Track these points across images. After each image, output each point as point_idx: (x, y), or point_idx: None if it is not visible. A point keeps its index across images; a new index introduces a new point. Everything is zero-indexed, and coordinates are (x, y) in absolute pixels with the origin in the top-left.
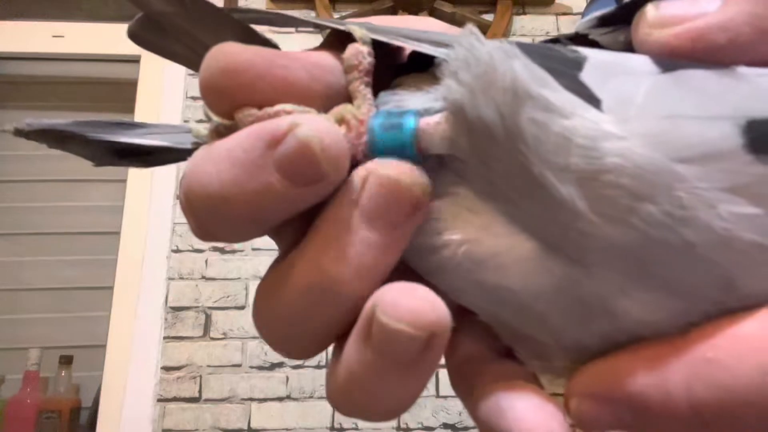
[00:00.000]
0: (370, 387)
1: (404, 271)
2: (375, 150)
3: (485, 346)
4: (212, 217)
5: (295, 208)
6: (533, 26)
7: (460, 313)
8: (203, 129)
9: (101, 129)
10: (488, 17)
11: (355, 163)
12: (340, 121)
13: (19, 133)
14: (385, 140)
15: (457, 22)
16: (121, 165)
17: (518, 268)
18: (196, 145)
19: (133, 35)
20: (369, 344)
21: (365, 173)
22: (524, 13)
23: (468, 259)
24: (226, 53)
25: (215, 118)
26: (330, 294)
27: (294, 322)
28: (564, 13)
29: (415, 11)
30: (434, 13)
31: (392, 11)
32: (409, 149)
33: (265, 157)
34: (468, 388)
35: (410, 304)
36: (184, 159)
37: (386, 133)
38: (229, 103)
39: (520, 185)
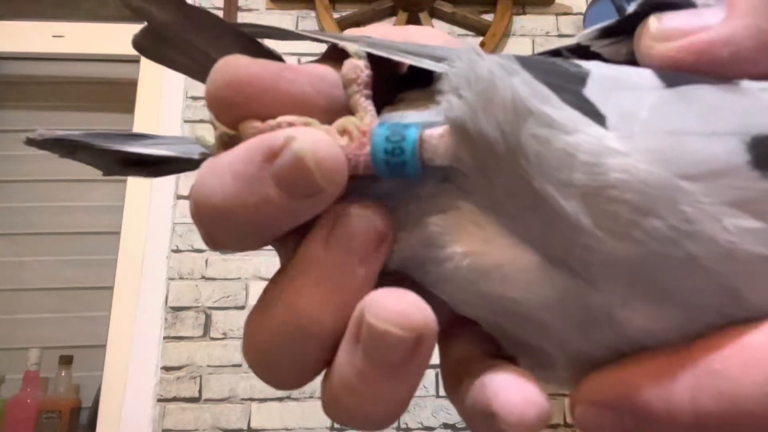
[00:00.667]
0: (361, 392)
1: (403, 281)
2: (377, 161)
3: (480, 350)
4: (217, 228)
5: (295, 220)
6: (533, 26)
7: (458, 320)
8: (209, 137)
9: (110, 140)
10: (488, 17)
11: (357, 175)
12: (343, 132)
13: (31, 142)
14: (388, 151)
15: (457, 22)
16: (129, 175)
17: (522, 279)
18: (204, 156)
19: (137, 45)
20: (358, 348)
21: (333, 214)
22: (524, 13)
23: (472, 271)
24: (233, 66)
25: (220, 128)
26: (305, 331)
27: (275, 359)
28: (564, 13)
29: (415, 11)
30: (434, 13)
31: (392, 11)
32: (412, 160)
33: (263, 170)
34: (459, 387)
35: (398, 307)
36: (191, 169)
37: (389, 144)
38: (234, 115)
39: (522, 201)
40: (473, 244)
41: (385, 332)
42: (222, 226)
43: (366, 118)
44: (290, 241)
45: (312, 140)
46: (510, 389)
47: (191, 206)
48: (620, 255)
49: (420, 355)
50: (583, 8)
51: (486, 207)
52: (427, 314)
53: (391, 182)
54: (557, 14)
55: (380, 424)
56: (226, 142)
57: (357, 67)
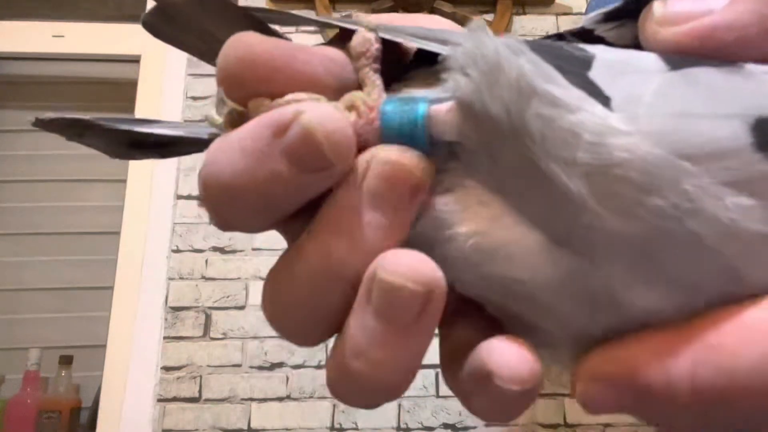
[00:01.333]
0: (370, 356)
1: None
2: (386, 135)
3: (480, 337)
4: (227, 207)
5: (304, 195)
6: (533, 26)
7: (459, 307)
8: (218, 116)
9: (119, 122)
10: (488, 17)
11: (365, 150)
12: (351, 107)
13: (38, 123)
14: (396, 126)
15: (457, 21)
16: (135, 158)
17: (526, 260)
18: (213, 136)
19: (147, 25)
20: (370, 307)
21: (368, 157)
22: (524, 13)
23: (477, 252)
24: (246, 43)
25: (230, 105)
26: (336, 276)
27: (302, 306)
28: (564, 13)
29: (415, 11)
30: (434, 13)
31: (392, 11)
32: (420, 135)
33: (273, 146)
34: (457, 371)
35: (409, 262)
36: (200, 150)
37: (397, 118)
38: (244, 92)
39: (527, 180)
40: (479, 224)
41: (397, 286)
42: (231, 205)
43: (374, 93)
44: (296, 223)
45: (320, 114)
46: (504, 349)
47: (200, 186)
48: (623, 233)
49: (429, 312)
50: (583, 8)
51: (491, 186)
52: (437, 270)
53: None
54: (557, 14)
55: (387, 394)
56: (236, 120)
57: (367, 40)
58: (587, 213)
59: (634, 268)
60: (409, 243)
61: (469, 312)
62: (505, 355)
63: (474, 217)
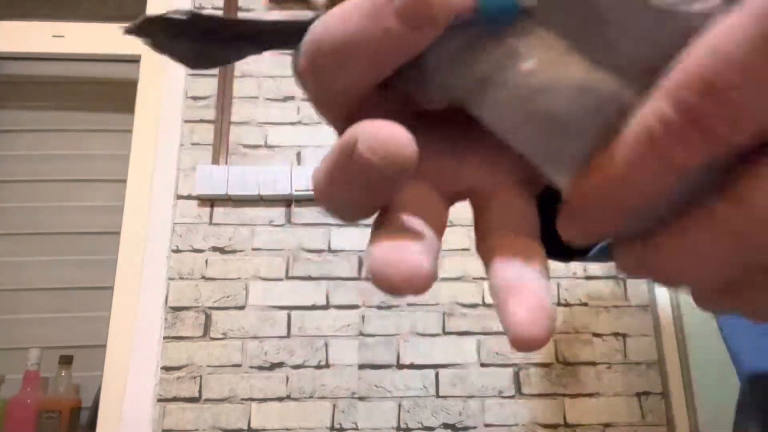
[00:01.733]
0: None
1: (453, 116)
2: (483, 4)
3: (512, 228)
4: (338, 65)
5: (407, 53)
6: None
7: (500, 187)
8: (319, 2)
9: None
10: None
11: (459, 16)
12: None
13: (131, 29)
14: None
15: None
16: (218, 64)
17: (569, 93)
18: (312, 19)
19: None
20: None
21: (354, 138)
22: None
23: (529, 88)
24: None
25: None
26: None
27: (337, 202)
28: None
29: None
30: None
31: None
32: (509, 3)
33: (385, 7)
34: (484, 250)
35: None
36: (296, 41)
37: None
38: None
39: (586, 24)
40: (540, 62)
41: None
42: (342, 62)
43: None
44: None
45: None
46: (522, 323)
47: (309, 52)
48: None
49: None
50: None
51: (559, 33)
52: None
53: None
54: None
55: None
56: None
57: None
58: (611, 27)
59: (637, 73)
60: (470, 88)
61: (505, 198)
62: (521, 329)
63: (538, 55)
